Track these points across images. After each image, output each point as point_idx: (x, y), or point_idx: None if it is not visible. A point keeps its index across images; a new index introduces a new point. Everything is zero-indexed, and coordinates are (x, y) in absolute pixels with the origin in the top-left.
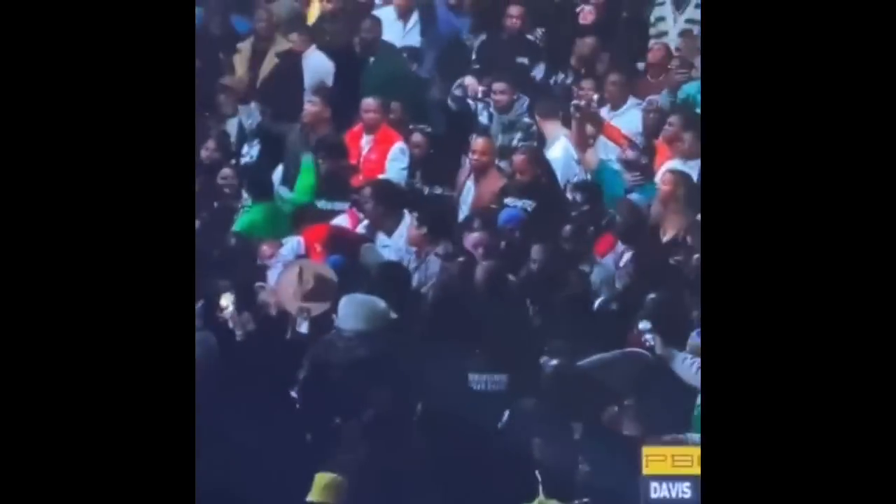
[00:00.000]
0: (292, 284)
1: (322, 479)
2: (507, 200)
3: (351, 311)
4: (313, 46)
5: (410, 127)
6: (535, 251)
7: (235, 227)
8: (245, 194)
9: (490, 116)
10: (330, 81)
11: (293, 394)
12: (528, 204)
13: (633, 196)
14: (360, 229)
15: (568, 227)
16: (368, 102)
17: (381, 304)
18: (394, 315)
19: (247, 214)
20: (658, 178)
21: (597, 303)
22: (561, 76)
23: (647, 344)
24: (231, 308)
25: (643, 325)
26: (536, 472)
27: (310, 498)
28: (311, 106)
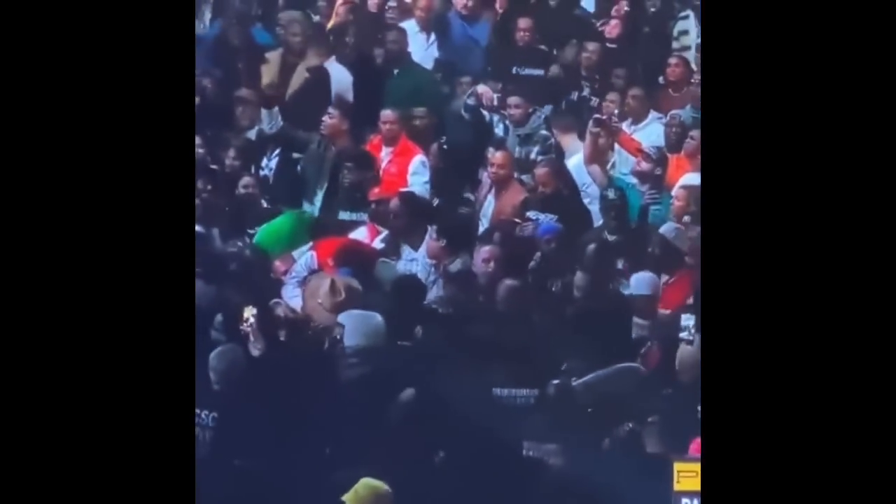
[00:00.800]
0: (323, 297)
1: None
2: (530, 214)
3: (350, 327)
4: (333, 58)
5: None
6: (580, 279)
7: (256, 239)
8: (265, 204)
9: (506, 129)
10: (349, 94)
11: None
12: (551, 217)
13: (656, 218)
14: (379, 243)
15: (593, 246)
16: (387, 114)
17: (378, 318)
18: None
19: (272, 224)
20: (674, 192)
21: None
22: (576, 93)
23: (687, 338)
24: (253, 321)
25: (685, 320)
26: None
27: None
28: (329, 118)
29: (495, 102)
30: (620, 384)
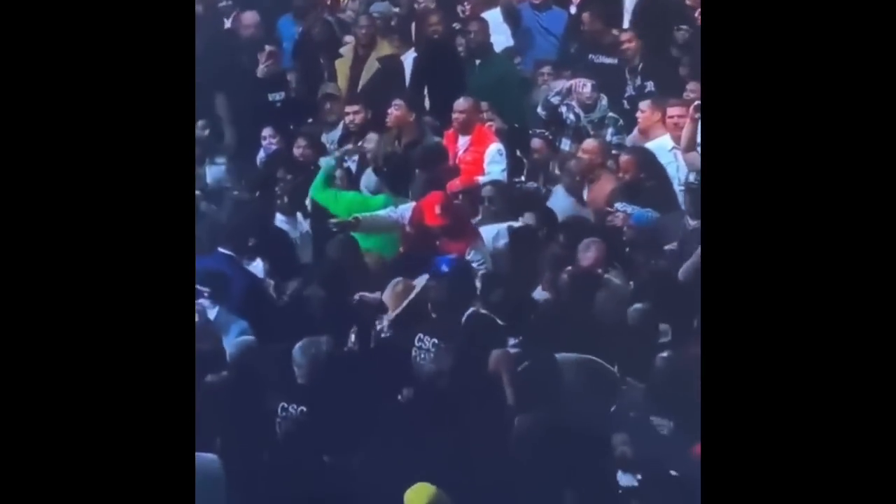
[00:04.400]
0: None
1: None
2: (618, 205)
3: None
4: (412, 49)
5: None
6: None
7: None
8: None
9: (577, 117)
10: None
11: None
12: (635, 207)
13: None
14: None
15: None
16: (460, 103)
17: None
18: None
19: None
20: None
21: None
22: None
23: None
24: (354, 337)
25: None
26: None
27: None
28: (394, 110)
29: (588, 95)
30: (577, 373)
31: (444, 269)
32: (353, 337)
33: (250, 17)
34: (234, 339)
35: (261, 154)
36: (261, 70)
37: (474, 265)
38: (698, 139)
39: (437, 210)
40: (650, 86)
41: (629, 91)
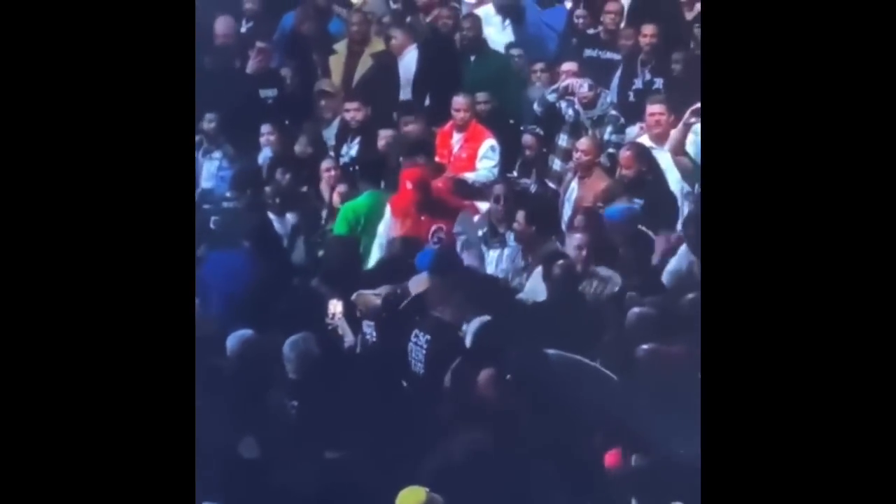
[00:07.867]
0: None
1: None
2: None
3: None
4: (413, 45)
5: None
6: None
7: (339, 215)
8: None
9: (576, 113)
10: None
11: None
12: (638, 203)
13: None
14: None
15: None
16: (458, 101)
17: None
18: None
19: (352, 203)
20: None
21: None
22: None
23: None
24: (340, 315)
25: None
26: None
27: None
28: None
29: (586, 89)
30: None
31: (421, 269)
32: (349, 334)
33: (224, 24)
34: (234, 334)
35: (262, 154)
36: (250, 66)
37: (460, 238)
38: (688, 145)
39: (408, 185)
40: (659, 83)
41: (637, 84)
